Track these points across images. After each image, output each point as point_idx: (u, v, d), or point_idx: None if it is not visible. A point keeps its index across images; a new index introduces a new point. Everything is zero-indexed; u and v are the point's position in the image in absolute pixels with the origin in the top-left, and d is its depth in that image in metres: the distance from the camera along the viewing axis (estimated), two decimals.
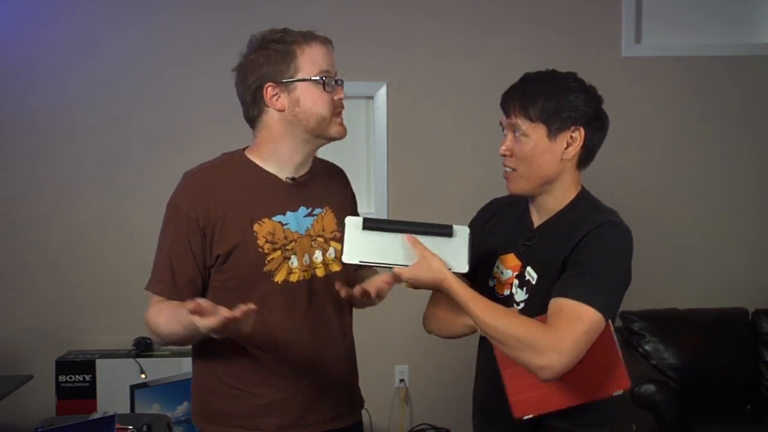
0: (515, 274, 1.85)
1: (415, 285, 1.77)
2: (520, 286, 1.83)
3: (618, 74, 3.93)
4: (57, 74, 3.82)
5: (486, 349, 1.87)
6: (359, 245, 1.75)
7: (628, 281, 1.79)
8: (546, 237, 1.84)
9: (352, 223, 1.77)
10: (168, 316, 1.83)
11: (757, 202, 4.05)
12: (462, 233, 1.79)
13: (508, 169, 1.83)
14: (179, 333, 1.81)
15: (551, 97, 1.77)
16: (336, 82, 1.90)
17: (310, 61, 1.86)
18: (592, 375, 1.74)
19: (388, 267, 1.76)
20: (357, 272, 2.04)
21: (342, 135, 1.93)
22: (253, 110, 1.91)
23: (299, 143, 1.91)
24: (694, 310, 3.81)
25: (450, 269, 1.75)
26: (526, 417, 1.76)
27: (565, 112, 1.77)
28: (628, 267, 1.78)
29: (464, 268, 1.77)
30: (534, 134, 1.78)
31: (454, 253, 1.77)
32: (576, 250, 1.74)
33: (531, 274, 1.82)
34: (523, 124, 1.78)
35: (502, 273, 1.87)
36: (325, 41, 1.91)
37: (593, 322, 1.69)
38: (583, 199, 1.86)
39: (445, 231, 1.78)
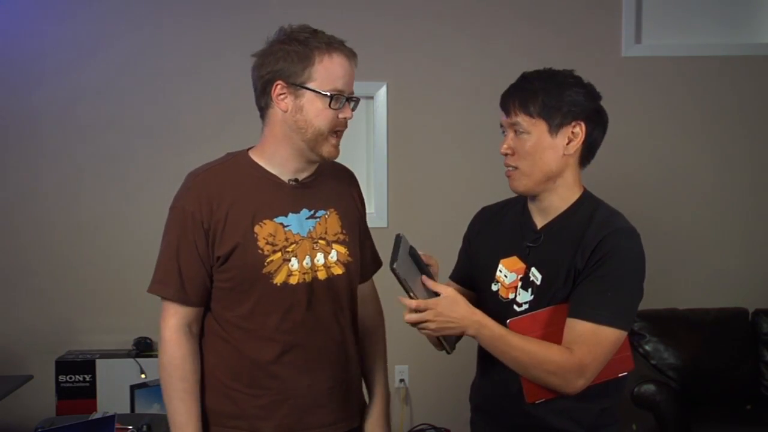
0: (519, 276, 1.84)
1: (437, 326, 1.70)
2: (524, 287, 1.83)
3: (618, 74, 3.93)
4: (58, 74, 3.82)
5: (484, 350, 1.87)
6: (404, 264, 1.68)
7: (643, 284, 1.80)
8: (551, 238, 1.83)
9: (405, 242, 1.71)
10: (184, 407, 1.88)
11: (756, 202, 4.05)
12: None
13: (509, 167, 1.83)
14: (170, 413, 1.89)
15: (551, 92, 1.77)
16: (348, 100, 1.87)
17: (326, 73, 1.82)
18: None
19: (412, 296, 1.70)
20: (360, 279, 2.06)
21: (332, 157, 1.90)
22: (260, 101, 1.90)
23: (296, 151, 1.88)
24: (694, 310, 3.81)
25: None
26: (537, 401, 1.79)
27: (566, 107, 1.78)
28: (644, 273, 1.79)
29: None
30: (535, 130, 1.78)
31: None
32: (591, 261, 1.74)
33: (535, 275, 1.82)
34: (524, 120, 1.78)
35: (505, 277, 1.86)
36: (350, 55, 1.87)
37: (614, 341, 1.73)
38: (588, 199, 1.87)
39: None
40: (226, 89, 3.78)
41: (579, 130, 1.80)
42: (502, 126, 1.85)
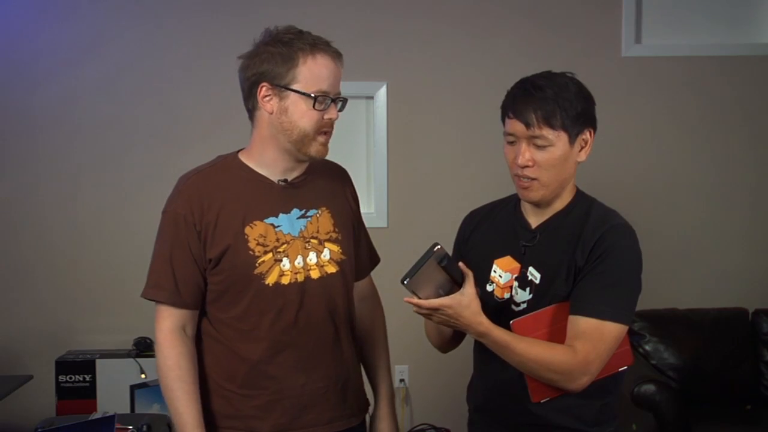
0: (515, 276, 1.85)
1: (439, 321, 1.73)
2: (521, 287, 1.83)
3: (618, 74, 3.93)
4: (57, 74, 3.82)
5: (482, 348, 1.87)
6: (423, 277, 1.66)
7: (641, 278, 1.82)
8: (548, 236, 1.84)
9: (439, 254, 1.66)
10: (185, 405, 1.87)
11: (756, 202, 4.05)
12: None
13: (526, 179, 1.80)
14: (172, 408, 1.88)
15: (570, 101, 1.77)
16: (334, 101, 1.87)
17: (310, 74, 1.83)
18: None
19: (421, 297, 1.69)
20: (356, 280, 2.06)
21: (321, 155, 1.90)
22: (248, 103, 1.91)
23: (283, 152, 1.89)
24: (694, 310, 3.81)
25: None
26: (543, 400, 1.80)
27: (582, 118, 1.79)
28: (641, 268, 1.82)
29: None
30: (558, 142, 1.77)
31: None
32: (591, 257, 1.76)
33: (533, 274, 1.82)
34: (549, 133, 1.76)
35: (500, 277, 1.87)
36: (335, 55, 1.87)
37: (617, 336, 1.75)
38: (582, 198, 1.88)
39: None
40: (224, 90, 3.75)
41: (589, 136, 1.83)
42: (510, 135, 1.81)
